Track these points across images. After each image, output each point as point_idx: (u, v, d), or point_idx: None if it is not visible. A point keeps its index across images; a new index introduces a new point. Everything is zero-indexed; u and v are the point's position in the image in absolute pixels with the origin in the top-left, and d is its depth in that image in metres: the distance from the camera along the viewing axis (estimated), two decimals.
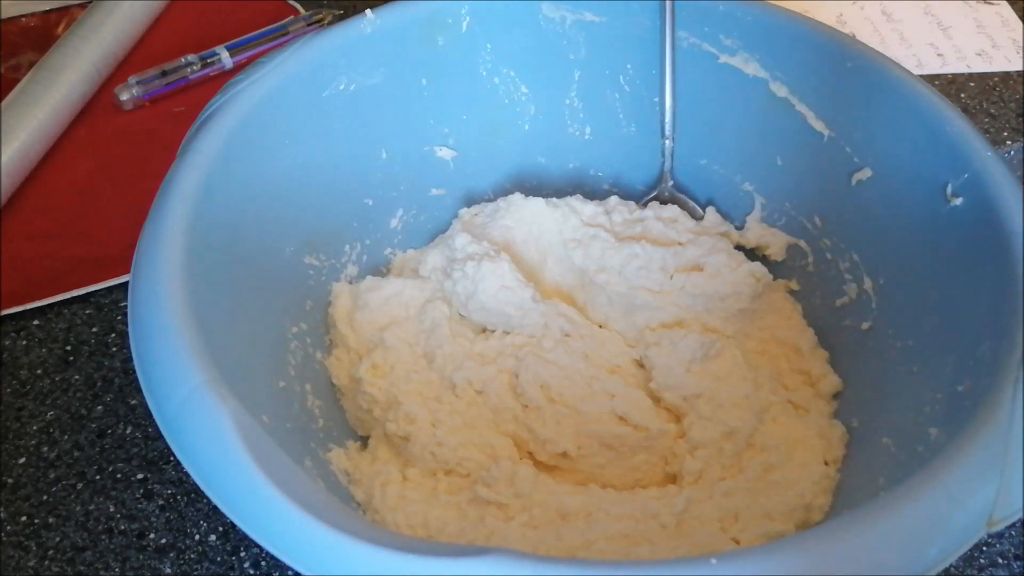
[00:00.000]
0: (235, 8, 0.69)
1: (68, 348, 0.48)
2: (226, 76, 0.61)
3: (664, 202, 0.50)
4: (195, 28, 0.67)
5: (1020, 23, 0.71)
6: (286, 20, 0.66)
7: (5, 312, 0.49)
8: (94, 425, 0.45)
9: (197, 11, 0.69)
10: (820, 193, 0.46)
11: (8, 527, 0.41)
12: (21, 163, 0.55)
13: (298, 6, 0.70)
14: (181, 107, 0.61)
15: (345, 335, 0.44)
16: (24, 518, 0.41)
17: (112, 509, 0.42)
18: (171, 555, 0.40)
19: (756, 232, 0.49)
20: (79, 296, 0.50)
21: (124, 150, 0.59)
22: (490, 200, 0.50)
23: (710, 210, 0.50)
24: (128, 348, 0.45)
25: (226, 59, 0.63)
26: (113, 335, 0.49)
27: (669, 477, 0.41)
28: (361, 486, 0.39)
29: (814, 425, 0.41)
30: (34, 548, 0.40)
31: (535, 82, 0.51)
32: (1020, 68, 0.67)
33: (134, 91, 0.61)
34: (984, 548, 0.41)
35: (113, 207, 0.55)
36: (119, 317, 0.50)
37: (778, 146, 0.47)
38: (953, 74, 0.66)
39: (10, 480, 0.43)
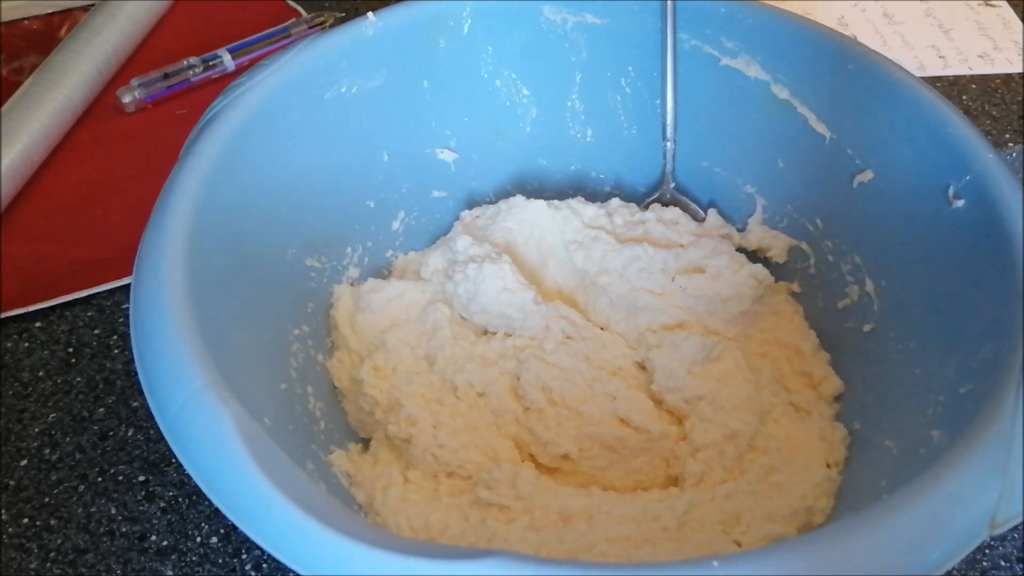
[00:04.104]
0: (237, 10, 0.69)
1: (70, 350, 0.48)
2: (228, 78, 0.61)
3: (665, 204, 0.50)
4: (197, 30, 0.67)
5: (1021, 25, 0.71)
6: (288, 22, 0.66)
7: (7, 314, 0.49)
8: (96, 427, 0.45)
9: (199, 13, 0.69)
10: (822, 195, 0.46)
11: (10, 529, 0.41)
12: (23, 165, 0.55)
13: (300, 8, 0.70)
14: (183, 109, 0.61)
15: (347, 337, 0.44)
16: (26, 520, 0.41)
17: (114, 511, 0.42)
18: (172, 557, 0.40)
19: (758, 234, 0.49)
20: (81, 298, 0.50)
21: (126, 152, 0.59)
22: (491, 202, 0.50)
23: (711, 212, 0.50)
24: (130, 350, 0.45)
25: (228, 61, 0.63)
26: (115, 337, 0.49)
27: (671, 479, 0.41)
28: (362, 488, 0.39)
29: (816, 427, 0.41)
30: (36, 550, 0.40)
31: (536, 84, 0.51)
32: (1022, 70, 0.67)
33: (136, 93, 0.61)
34: (986, 551, 0.41)
35: (115, 209, 0.55)
36: (121, 319, 0.50)
37: (780, 148, 0.47)
38: (955, 76, 0.66)
39: (12, 482, 0.43)
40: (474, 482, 0.39)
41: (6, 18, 0.67)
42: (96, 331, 0.49)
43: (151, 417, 0.31)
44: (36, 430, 0.45)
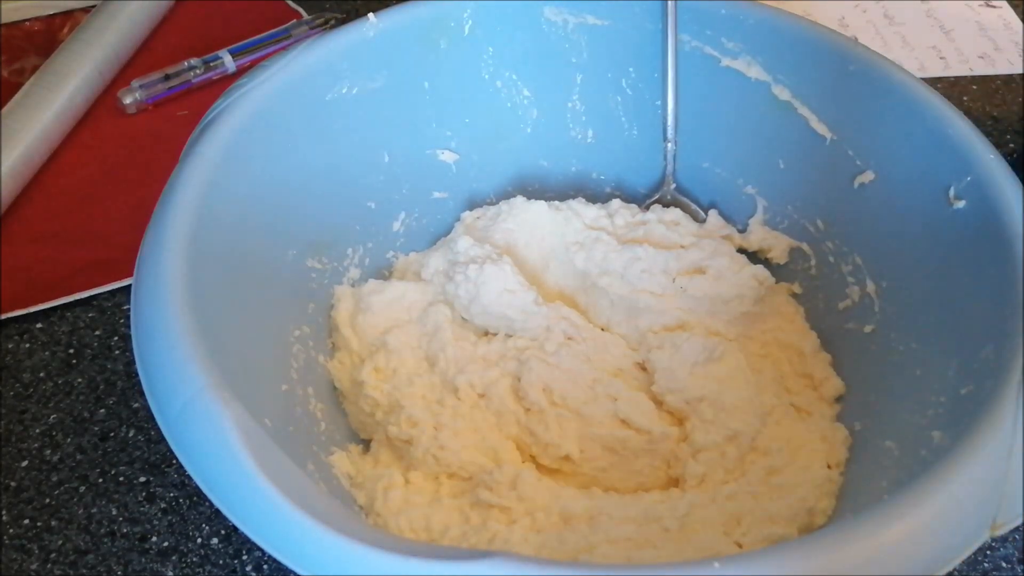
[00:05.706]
0: (238, 12, 0.69)
1: (71, 351, 0.48)
2: (229, 80, 0.61)
3: (666, 205, 0.50)
4: (198, 32, 0.67)
5: (1022, 26, 0.71)
6: (289, 24, 0.66)
7: (8, 315, 0.49)
8: (96, 428, 0.45)
9: (200, 15, 0.69)
10: (823, 196, 0.46)
11: (10, 530, 0.41)
12: (24, 166, 0.55)
13: (301, 9, 0.70)
14: (184, 111, 0.62)
15: (347, 338, 0.44)
16: (26, 521, 0.41)
17: (114, 512, 0.42)
18: (173, 558, 0.40)
19: (758, 235, 0.49)
20: (82, 299, 0.50)
21: (127, 153, 0.59)
22: (492, 203, 0.50)
23: (712, 213, 0.50)
24: (131, 351, 0.45)
25: (229, 63, 0.63)
26: (116, 338, 0.49)
27: (672, 480, 0.41)
28: (363, 489, 0.39)
29: (817, 428, 0.41)
30: (36, 551, 0.40)
31: (537, 85, 0.51)
32: (1022, 71, 0.67)
33: (137, 94, 0.61)
34: (987, 552, 0.41)
35: (116, 210, 0.55)
36: (122, 320, 0.50)
37: (780, 149, 0.47)
38: (956, 77, 0.66)
39: (12, 483, 0.43)
40: (475, 483, 0.39)
41: (7, 19, 0.67)
42: (97, 332, 0.49)
43: (152, 418, 0.31)
44: (37, 431, 0.45)
